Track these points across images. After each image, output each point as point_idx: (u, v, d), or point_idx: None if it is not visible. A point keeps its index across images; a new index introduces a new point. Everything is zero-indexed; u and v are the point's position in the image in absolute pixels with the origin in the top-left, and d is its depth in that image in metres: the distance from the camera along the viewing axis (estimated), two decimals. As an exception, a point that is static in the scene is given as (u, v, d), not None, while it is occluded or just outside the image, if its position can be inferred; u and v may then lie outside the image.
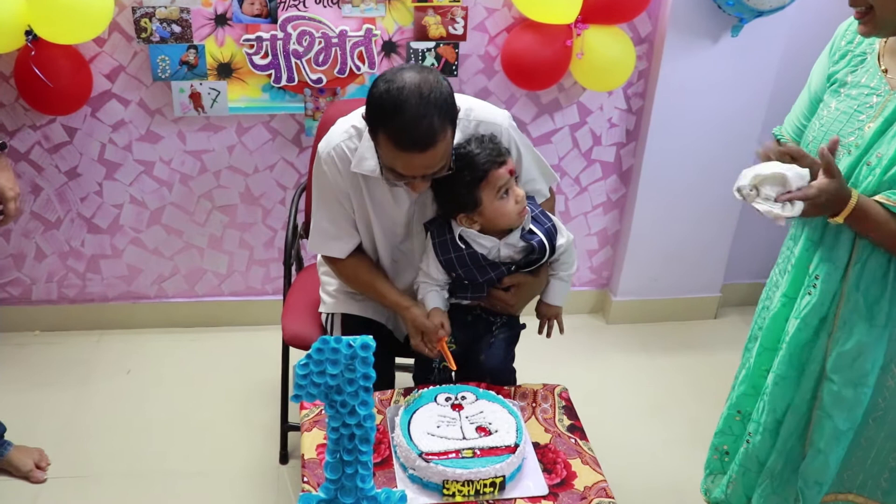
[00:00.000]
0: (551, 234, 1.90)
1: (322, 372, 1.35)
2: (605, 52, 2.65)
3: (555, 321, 2.05)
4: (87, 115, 2.69)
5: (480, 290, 1.93)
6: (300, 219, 2.54)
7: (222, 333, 3.11)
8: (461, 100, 1.83)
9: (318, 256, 2.14)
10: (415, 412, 1.69)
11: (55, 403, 2.72)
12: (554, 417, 1.80)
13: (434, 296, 1.91)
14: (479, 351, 2.00)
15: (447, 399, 1.73)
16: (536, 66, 2.65)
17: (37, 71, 2.37)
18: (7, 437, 2.43)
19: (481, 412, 1.70)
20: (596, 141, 2.99)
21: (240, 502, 2.39)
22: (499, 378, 1.96)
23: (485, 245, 1.85)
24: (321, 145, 1.88)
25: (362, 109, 1.78)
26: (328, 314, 2.13)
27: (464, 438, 1.62)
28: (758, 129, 2.94)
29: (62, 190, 2.81)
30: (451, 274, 1.90)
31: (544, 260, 1.91)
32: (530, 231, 1.87)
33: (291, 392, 2.44)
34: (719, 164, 3.00)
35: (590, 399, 2.87)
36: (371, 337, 1.35)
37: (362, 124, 1.74)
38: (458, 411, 1.70)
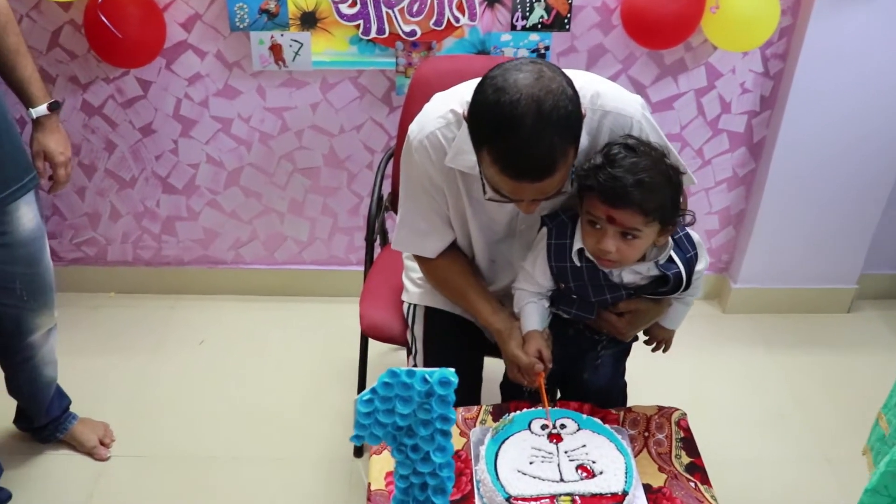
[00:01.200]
0: (691, 264, 1.56)
1: (390, 410, 1.09)
2: (745, 5, 2.26)
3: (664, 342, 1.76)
4: (161, 68, 2.48)
5: (589, 310, 1.62)
6: (386, 188, 2.29)
7: (301, 304, 2.91)
8: (587, 81, 1.50)
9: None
10: (504, 441, 1.42)
11: (124, 373, 2.58)
12: (670, 453, 1.50)
13: (532, 311, 1.61)
14: (582, 369, 1.71)
15: (543, 427, 1.45)
16: (662, 20, 2.29)
17: (104, 20, 2.16)
18: (73, 408, 2.30)
19: (583, 446, 1.42)
20: (725, 108, 2.61)
21: (309, 496, 2.19)
22: (606, 399, 1.68)
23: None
24: (413, 129, 1.58)
25: (464, 90, 1.48)
26: (410, 305, 1.88)
27: (561, 481, 1.34)
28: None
29: (136, 147, 2.63)
30: (560, 284, 1.60)
31: (675, 293, 1.59)
32: (669, 259, 1.53)
33: (368, 382, 2.27)
34: (869, 139, 2.58)
35: (701, 401, 2.57)
36: (453, 371, 1.08)
37: (463, 109, 1.43)
38: (556, 444, 1.42)
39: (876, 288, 3.02)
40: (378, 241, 2.29)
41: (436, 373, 1.07)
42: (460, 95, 1.53)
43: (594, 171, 1.41)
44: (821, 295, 2.95)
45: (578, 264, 1.53)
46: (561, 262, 1.55)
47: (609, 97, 1.52)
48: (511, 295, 1.66)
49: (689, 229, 1.55)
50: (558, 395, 1.95)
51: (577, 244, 1.51)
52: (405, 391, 1.08)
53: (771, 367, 2.75)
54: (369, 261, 2.22)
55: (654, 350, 1.77)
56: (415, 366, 1.80)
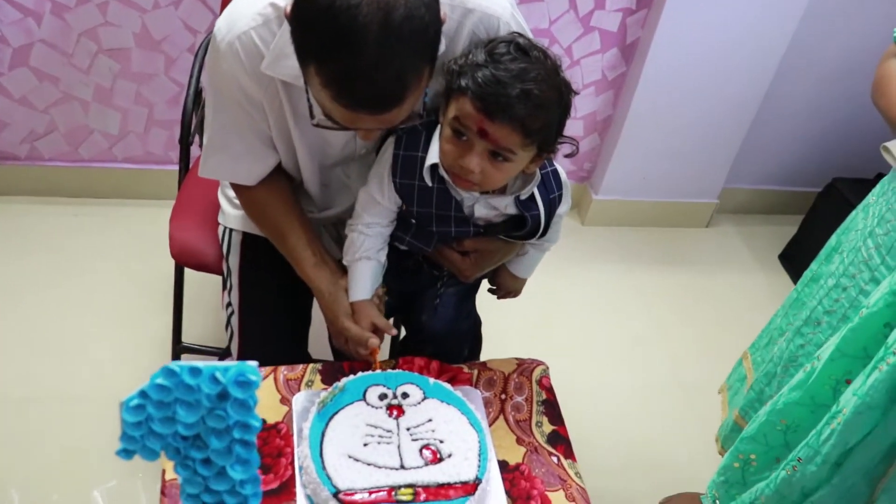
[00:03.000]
0: (553, 207, 1.31)
1: (170, 418, 0.80)
2: None
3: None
4: None
5: (426, 241, 1.35)
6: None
7: (112, 208, 2.52)
8: None
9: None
10: (333, 416, 1.16)
11: None
12: (530, 420, 1.29)
13: (363, 272, 1.31)
14: (420, 308, 1.47)
15: (382, 397, 1.20)
16: None
17: None
18: None
19: (429, 421, 1.17)
20: (598, 4, 2.35)
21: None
22: (448, 344, 1.45)
23: (459, 192, 1.27)
24: (220, 27, 1.20)
25: None
26: (226, 229, 1.55)
27: (402, 468, 1.10)
28: (804, 2, 2.32)
29: None
30: (401, 205, 1.32)
31: (530, 238, 1.34)
32: (530, 198, 1.27)
33: (186, 311, 1.94)
34: (744, 47, 2.40)
35: (555, 321, 2.42)
36: (254, 366, 0.79)
37: (286, 3, 1.07)
38: (397, 419, 1.17)
39: (734, 202, 2.93)
40: (197, 142, 1.92)
41: (231, 369, 0.78)
42: None
43: (472, 69, 1.11)
44: (682, 209, 2.83)
45: (430, 184, 1.25)
46: (407, 179, 1.26)
47: None
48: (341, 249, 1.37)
49: (558, 166, 1.30)
50: (402, 334, 1.71)
51: (431, 159, 1.22)
52: (189, 394, 0.79)
53: (630, 285, 2.62)
54: (184, 167, 1.86)
55: (499, 298, 1.55)
56: (229, 304, 1.50)
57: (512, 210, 1.28)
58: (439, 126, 1.21)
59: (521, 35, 1.16)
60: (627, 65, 2.50)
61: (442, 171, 1.23)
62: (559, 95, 1.14)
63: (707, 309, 2.58)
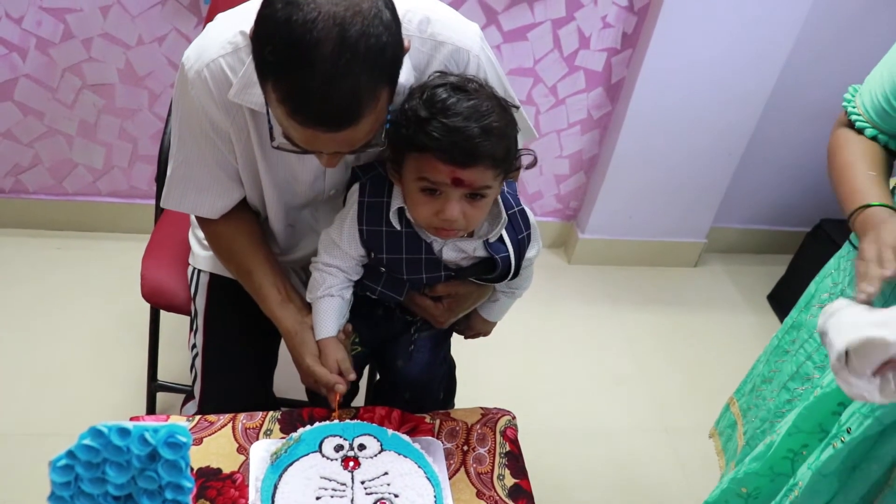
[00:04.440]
0: (522, 248, 1.30)
1: (100, 478, 0.78)
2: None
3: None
4: None
5: (398, 290, 1.33)
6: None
7: (96, 241, 2.51)
8: (416, 2, 1.19)
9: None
10: (287, 468, 1.14)
11: None
12: (492, 472, 1.27)
13: (327, 310, 1.29)
14: (395, 355, 1.45)
15: (338, 448, 1.18)
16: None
17: None
18: None
19: (384, 475, 1.15)
20: (583, 43, 2.35)
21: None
22: (425, 390, 1.44)
23: (428, 233, 1.25)
24: (189, 57, 1.20)
25: (257, 6, 1.14)
26: (195, 269, 1.55)
27: (354, 522, 1.09)
28: (790, 42, 2.33)
29: None
30: (370, 253, 1.31)
31: (501, 281, 1.33)
32: (499, 240, 1.26)
33: (161, 353, 1.92)
34: (731, 87, 2.40)
35: (539, 360, 2.41)
36: (184, 426, 0.78)
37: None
38: (352, 471, 1.15)
39: (723, 241, 2.92)
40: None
41: (161, 430, 0.77)
42: (253, 14, 1.17)
43: (421, 125, 1.10)
44: (669, 248, 2.82)
45: (398, 228, 1.24)
46: (374, 226, 1.25)
47: (442, 25, 1.21)
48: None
49: (525, 207, 1.29)
50: (377, 377, 1.70)
51: (397, 202, 1.22)
52: (118, 455, 0.77)
53: (615, 324, 2.60)
54: (160, 206, 1.85)
55: (467, 338, 1.53)
56: (194, 346, 1.49)
57: (481, 253, 1.27)
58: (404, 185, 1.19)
59: (445, 73, 1.17)
60: (613, 104, 2.50)
61: (410, 216, 1.22)
62: (508, 114, 1.15)
63: (694, 349, 2.56)
